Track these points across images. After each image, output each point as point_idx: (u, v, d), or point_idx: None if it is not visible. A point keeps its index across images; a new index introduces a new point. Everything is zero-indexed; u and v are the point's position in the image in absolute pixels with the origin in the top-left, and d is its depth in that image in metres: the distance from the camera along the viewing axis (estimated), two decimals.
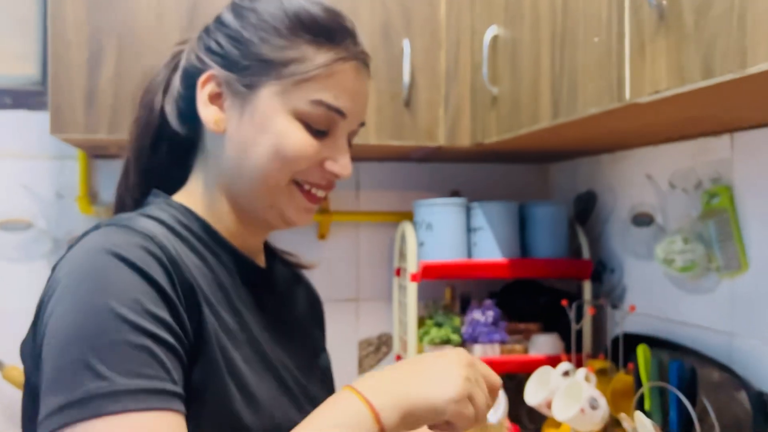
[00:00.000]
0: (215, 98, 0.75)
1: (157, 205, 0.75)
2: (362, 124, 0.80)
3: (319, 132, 0.74)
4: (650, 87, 0.84)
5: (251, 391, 0.69)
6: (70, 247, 0.67)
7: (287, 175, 0.74)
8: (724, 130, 1.19)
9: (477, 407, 0.67)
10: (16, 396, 1.50)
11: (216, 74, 0.74)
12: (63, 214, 1.59)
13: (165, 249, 0.66)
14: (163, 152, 0.80)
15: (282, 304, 0.85)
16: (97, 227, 0.68)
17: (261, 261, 0.84)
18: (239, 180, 0.75)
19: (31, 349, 0.66)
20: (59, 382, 0.58)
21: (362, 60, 0.77)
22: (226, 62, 0.74)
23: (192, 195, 0.78)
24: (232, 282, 0.75)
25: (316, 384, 0.84)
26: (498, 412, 0.71)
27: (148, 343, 0.59)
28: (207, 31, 0.78)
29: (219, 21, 0.77)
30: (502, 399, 0.72)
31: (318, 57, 0.73)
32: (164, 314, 0.62)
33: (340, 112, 0.74)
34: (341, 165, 0.76)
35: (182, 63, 0.78)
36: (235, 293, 0.74)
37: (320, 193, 0.78)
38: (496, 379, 0.71)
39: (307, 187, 0.76)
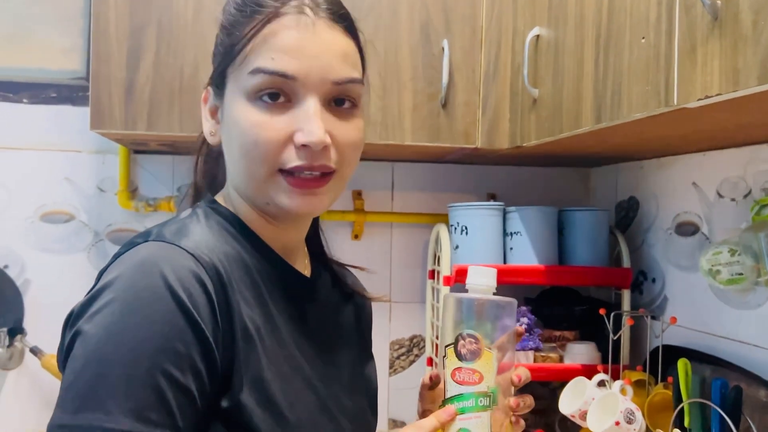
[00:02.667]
0: (213, 112, 0.77)
1: (204, 211, 0.75)
2: (349, 81, 0.71)
3: (275, 104, 0.68)
4: (701, 91, 0.80)
5: (281, 408, 0.67)
6: (117, 255, 0.67)
7: (266, 166, 0.69)
8: None
9: None
10: (55, 384, 1.53)
11: (209, 89, 0.77)
12: (103, 207, 1.62)
13: (215, 270, 0.65)
14: (207, 165, 0.82)
15: (326, 314, 0.82)
16: (147, 236, 0.67)
17: (303, 263, 0.82)
18: (237, 183, 0.75)
19: (65, 339, 0.66)
20: (68, 398, 0.58)
21: (307, 8, 0.69)
22: (213, 74, 0.75)
23: (223, 198, 0.79)
24: (273, 293, 0.73)
25: (357, 396, 0.82)
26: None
27: (163, 385, 0.58)
28: None
29: None
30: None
31: (247, 27, 0.70)
32: (193, 353, 0.61)
33: (283, 75, 0.68)
34: (306, 132, 0.67)
35: None
36: (275, 305, 0.72)
37: (307, 174, 0.70)
38: None
39: (295, 173, 0.70)
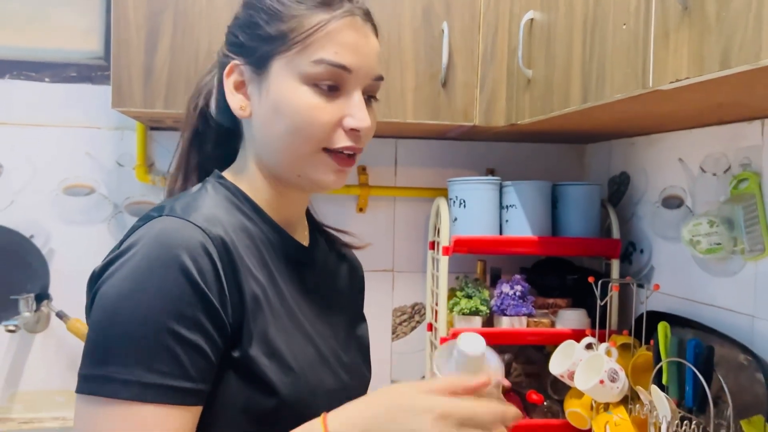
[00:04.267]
0: (239, 86, 0.83)
1: (212, 186, 0.83)
2: (380, 79, 0.83)
3: (329, 92, 0.78)
4: (672, 75, 0.88)
5: (286, 359, 0.76)
6: (134, 228, 0.75)
7: (312, 145, 0.79)
8: (756, 117, 1.21)
9: None
10: (79, 346, 1.63)
11: (236, 63, 0.82)
12: (122, 181, 1.71)
13: (221, 241, 0.73)
14: (212, 142, 0.89)
15: (323, 279, 0.92)
16: (161, 211, 0.75)
17: (302, 234, 0.92)
18: (269, 157, 0.82)
19: (89, 297, 0.75)
20: (92, 353, 0.68)
21: (359, 15, 0.80)
22: (242, 50, 0.82)
23: (234, 173, 0.86)
24: (275, 259, 0.82)
25: (352, 352, 0.92)
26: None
27: (172, 343, 0.67)
28: (228, 28, 0.86)
29: (235, 16, 0.85)
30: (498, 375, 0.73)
31: (313, 19, 0.78)
32: (199, 316, 0.69)
33: (344, 68, 0.78)
34: (358, 118, 0.79)
35: (217, 63, 0.87)
36: (277, 270, 0.82)
37: (349, 153, 0.81)
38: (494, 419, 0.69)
39: (339, 152, 0.81)
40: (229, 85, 0.83)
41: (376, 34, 0.84)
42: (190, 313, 0.69)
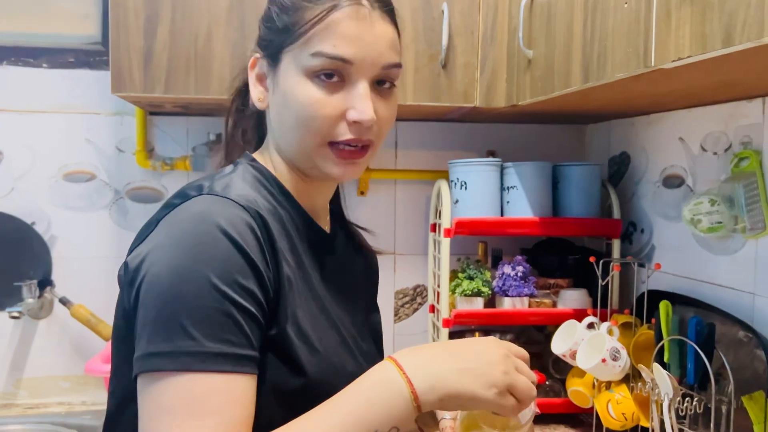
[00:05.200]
0: (261, 79, 0.85)
1: (245, 168, 0.84)
2: (394, 66, 0.81)
3: (332, 84, 0.78)
4: (674, 53, 0.88)
5: (312, 341, 0.77)
6: (172, 205, 0.75)
7: (317, 138, 0.80)
8: (757, 95, 1.21)
9: (519, 395, 0.73)
10: (83, 331, 1.65)
11: (257, 57, 0.85)
12: (122, 166, 1.71)
13: (261, 219, 0.75)
14: (249, 125, 0.92)
15: (341, 266, 0.93)
16: (200, 190, 0.76)
17: (325, 221, 0.93)
18: (285, 147, 0.84)
19: (126, 281, 0.74)
20: (155, 332, 0.68)
21: (366, 3, 0.79)
22: (261, 43, 0.85)
23: (262, 156, 0.88)
24: (301, 243, 0.84)
25: (367, 340, 0.94)
26: (527, 414, 0.77)
27: (234, 312, 0.68)
28: (258, 25, 0.88)
29: (263, 13, 0.86)
30: (532, 405, 0.79)
31: (313, 12, 0.78)
32: (252, 286, 0.70)
33: (343, 60, 0.77)
34: (359, 110, 0.78)
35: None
36: (304, 254, 0.83)
37: (351, 147, 0.81)
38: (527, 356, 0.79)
39: (341, 146, 0.81)
40: (252, 77, 0.85)
41: (393, 20, 0.83)
42: (245, 282, 0.70)
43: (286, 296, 0.76)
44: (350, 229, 1.01)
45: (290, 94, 0.79)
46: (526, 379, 0.74)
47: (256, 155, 0.88)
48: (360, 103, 0.78)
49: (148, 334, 0.68)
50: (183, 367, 0.66)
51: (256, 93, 0.85)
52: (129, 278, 0.73)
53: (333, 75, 0.78)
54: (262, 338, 0.72)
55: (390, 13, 0.83)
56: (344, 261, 0.95)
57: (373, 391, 0.70)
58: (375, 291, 1.05)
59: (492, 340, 0.74)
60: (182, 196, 0.76)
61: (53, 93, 1.68)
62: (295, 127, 0.80)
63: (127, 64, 1.37)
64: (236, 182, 0.80)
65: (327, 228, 0.92)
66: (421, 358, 0.72)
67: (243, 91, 0.91)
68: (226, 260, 0.69)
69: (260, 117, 0.91)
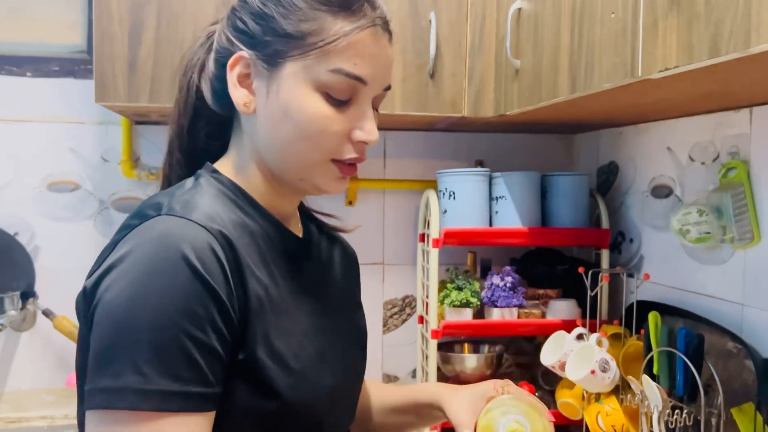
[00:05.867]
0: (244, 79, 0.77)
1: (207, 181, 0.79)
2: (388, 88, 0.80)
3: (341, 102, 0.75)
4: (661, 64, 0.87)
5: (287, 360, 0.74)
6: (130, 227, 0.71)
7: (321, 155, 0.76)
8: (744, 105, 1.21)
9: None
10: (66, 344, 1.62)
11: (244, 55, 0.76)
12: (107, 176, 1.69)
13: (225, 238, 0.71)
14: (202, 130, 0.84)
15: (319, 270, 0.90)
16: (158, 209, 0.71)
17: (296, 226, 0.89)
18: (272, 158, 0.79)
19: (84, 308, 0.71)
20: (105, 364, 0.64)
21: (381, 25, 0.77)
22: (252, 41, 0.76)
23: (229, 166, 0.82)
24: (274, 253, 0.80)
25: (350, 342, 0.91)
26: None
27: (190, 346, 0.64)
28: (234, 10, 0.79)
29: (247, 5, 0.78)
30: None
31: (335, 26, 0.74)
32: (213, 317, 0.66)
33: (360, 80, 0.75)
34: (367, 131, 0.77)
35: (215, 44, 0.81)
36: (276, 267, 0.79)
37: (353, 162, 0.80)
38: None
39: (346, 163, 0.79)
40: (233, 77, 0.77)
41: (391, 42, 0.81)
42: (204, 314, 0.66)
43: (255, 318, 0.72)
44: (319, 221, 0.97)
45: (295, 106, 0.75)
46: None
47: (219, 166, 0.82)
48: (368, 124, 0.77)
49: (97, 367, 0.65)
50: (130, 406, 0.62)
51: (239, 96, 0.77)
52: (85, 302, 0.70)
53: (348, 102, 0.76)
54: (223, 372, 0.69)
55: (391, 36, 0.81)
56: (322, 263, 0.92)
57: None
58: (357, 285, 1.01)
59: None
60: (140, 217, 0.72)
61: (37, 102, 1.66)
62: (295, 141, 0.76)
63: (111, 72, 1.35)
64: (198, 199, 0.74)
65: (300, 232, 0.89)
66: None
67: (198, 102, 0.82)
68: (184, 290, 0.65)
69: (218, 121, 0.84)
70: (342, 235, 1.01)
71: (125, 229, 0.72)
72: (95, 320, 0.66)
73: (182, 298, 0.65)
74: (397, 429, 1.06)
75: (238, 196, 0.79)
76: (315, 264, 0.89)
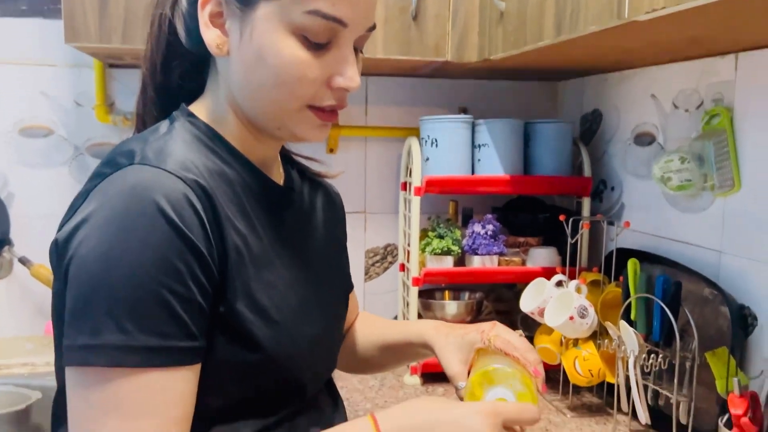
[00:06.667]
0: (216, 18, 0.73)
1: (182, 125, 0.75)
2: (372, 28, 0.76)
3: (319, 46, 0.71)
4: (648, 5, 0.85)
5: (269, 312, 0.73)
6: (102, 175, 0.68)
7: (296, 101, 0.73)
8: (730, 51, 1.19)
9: None
10: (45, 291, 1.60)
11: None
12: (81, 121, 1.64)
13: (201, 189, 0.68)
14: (177, 68, 0.80)
15: (302, 218, 0.88)
16: (131, 157, 0.68)
17: (277, 172, 0.86)
18: (247, 103, 0.75)
19: (56, 262, 0.68)
20: (83, 321, 0.62)
21: None
22: None
23: (204, 109, 0.79)
24: (254, 203, 0.77)
25: (333, 290, 0.90)
26: None
27: (171, 301, 0.63)
28: None
29: None
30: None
31: None
32: (193, 269, 0.64)
33: (339, 21, 0.70)
34: (348, 77, 0.73)
35: None
36: (256, 217, 0.77)
37: (332, 109, 0.76)
38: (531, 420, 0.73)
39: (324, 109, 0.75)
40: (204, 16, 0.72)
41: None
42: (183, 266, 0.64)
43: (234, 271, 0.70)
44: (301, 166, 0.94)
45: (270, 51, 0.70)
46: None
47: (194, 108, 0.78)
48: (349, 69, 0.73)
49: (76, 323, 0.63)
50: (113, 363, 0.61)
51: (211, 36, 0.73)
52: (58, 256, 0.67)
53: (327, 45, 0.71)
54: (206, 324, 0.67)
55: None
56: (305, 210, 0.89)
57: None
58: (342, 228, 0.99)
59: (482, 423, 0.68)
60: (112, 165, 0.68)
61: (5, 43, 1.60)
62: (271, 87, 0.72)
63: (81, 11, 1.30)
64: (172, 146, 0.71)
65: (281, 179, 0.86)
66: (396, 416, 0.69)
67: (171, 39, 0.77)
68: (162, 244, 0.63)
69: (193, 60, 0.79)
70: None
71: (96, 178, 0.69)
72: (70, 276, 0.64)
73: (160, 253, 0.63)
74: (385, 365, 1.07)
75: (214, 142, 0.76)
76: (297, 212, 0.87)
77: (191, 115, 0.77)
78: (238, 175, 0.76)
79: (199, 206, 0.67)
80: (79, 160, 1.65)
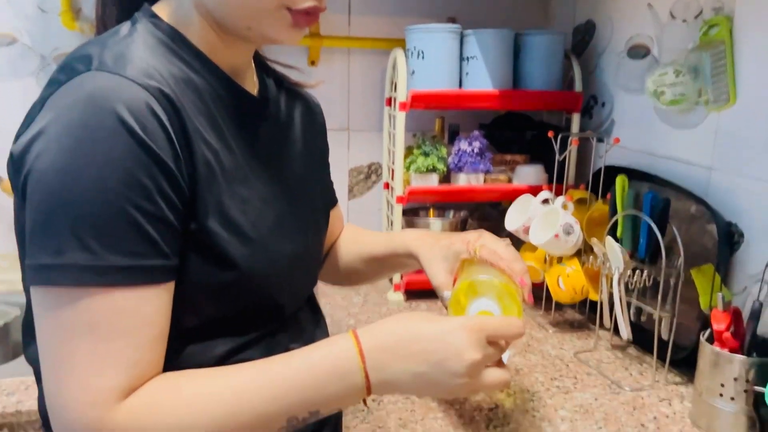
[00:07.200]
0: None
1: (145, 27, 0.69)
2: None
3: None
4: None
5: (244, 229, 0.69)
6: (57, 82, 0.63)
7: (273, 2, 0.67)
8: None
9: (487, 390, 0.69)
10: None
11: None
12: (47, 29, 1.55)
13: (166, 98, 0.63)
14: None
15: (278, 131, 0.83)
16: (88, 62, 0.63)
17: (251, 81, 0.81)
18: (214, 3, 0.69)
19: (13, 176, 0.64)
20: (45, 239, 0.58)
21: None
22: None
23: (168, 10, 0.72)
24: (225, 114, 0.72)
25: (312, 205, 0.86)
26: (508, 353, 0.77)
27: (138, 218, 0.59)
28: None
29: None
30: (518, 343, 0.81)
31: None
32: (160, 184, 0.61)
33: None
34: None
35: None
36: (228, 129, 0.72)
37: (311, 11, 0.70)
38: (516, 334, 0.71)
39: (302, 12, 0.69)
40: None
41: None
42: (149, 182, 0.60)
43: (205, 186, 0.66)
44: (277, 74, 0.88)
45: None
46: (493, 378, 0.68)
47: (156, 8, 0.72)
48: None
49: (38, 242, 0.59)
50: (80, 283, 0.58)
51: None
52: (15, 170, 0.63)
53: None
54: (178, 242, 0.64)
55: None
56: (281, 122, 0.84)
57: (325, 373, 0.65)
58: (323, 140, 0.95)
59: (466, 338, 0.66)
60: (68, 71, 0.63)
61: None
62: None
63: None
64: (133, 50, 0.65)
65: (254, 88, 0.80)
66: (384, 351, 0.66)
67: None
68: (125, 158, 0.59)
69: None
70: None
71: (51, 85, 0.63)
72: (28, 192, 0.60)
73: (124, 168, 0.58)
74: (371, 277, 1.06)
75: (180, 46, 0.70)
76: (272, 125, 0.82)
77: (155, 16, 0.71)
78: (207, 84, 0.71)
79: (163, 117, 0.62)
80: (47, 70, 1.57)
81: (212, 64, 0.72)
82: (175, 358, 0.67)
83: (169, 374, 0.64)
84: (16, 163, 0.62)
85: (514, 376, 1.17)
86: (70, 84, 0.61)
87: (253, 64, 0.82)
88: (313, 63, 1.68)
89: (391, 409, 1.04)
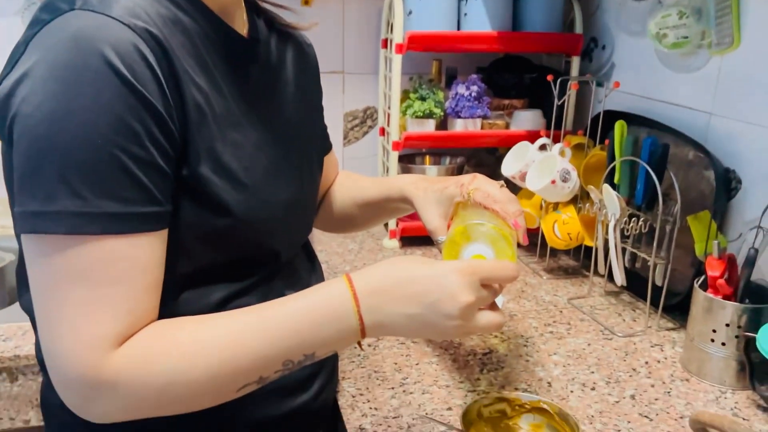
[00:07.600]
0: None
1: None
2: None
3: None
4: None
5: (237, 175, 0.68)
6: (41, 22, 0.60)
7: None
8: None
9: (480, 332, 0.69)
10: None
11: None
12: None
13: (154, 39, 0.60)
14: None
15: (269, 73, 0.81)
16: (71, 2, 0.60)
17: (241, 21, 0.78)
18: None
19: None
20: (34, 186, 0.57)
21: None
22: None
23: None
24: (215, 56, 0.70)
25: (306, 150, 0.84)
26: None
27: (129, 163, 0.58)
28: None
29: None
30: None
31: None
32: (149, 128, 0.59)
33: None
34: None
35: None
36: (218, 72, 0.70)
37: None
38: (509, 277, 0.70)
39: None
40: None
41: None
42: (139, 126, 0.58)
43: (196, 131, 0.65)
44: (269, 14, 0.86)
45: None
46: (487, 321, 0.68)
47: None
48: None
49: (27, 188, 0.57)
50: (71, 230, 0.57)
51: None
52: (0, 115, 0.61)
53: None
54: (170, 188, 0.63)
55: None
56: (272, 64, 0.82)
57: (320, 316, 0.64)
58: (316, 84, 0.93)
59: (459, 281, 0.66)
60: (51, 10, 0.60)
61: None
62: None
63: None
64: None
65: (245, 28, 0.78)
66: (378, 294, 0.65)
67: None
68: (113, 102, 0.57)
69: None
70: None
71: (35, 25, 0.61)
72: (15, 137, 0.58)
73: (113, 113, 0.57)
74: (366, 222, 1.05)
75: None
76: (264, 67, 0.79)
77: None
78: (196, 24, 0.68)
79: (152, 59, 0.60)
80: (32, 9, 1.52)
81: (201, 3, 0.70)
82: (172, 305, 0.67)
83: (164, 321, 0.64)
84: (0, 106, 0.60)
85: (508, 321, 1.18)
86: (54, 24, 0.59)
87: (243, 4, 0.80)
88: (306, 3, 1.63)
89: (387, 354, 1.05)
